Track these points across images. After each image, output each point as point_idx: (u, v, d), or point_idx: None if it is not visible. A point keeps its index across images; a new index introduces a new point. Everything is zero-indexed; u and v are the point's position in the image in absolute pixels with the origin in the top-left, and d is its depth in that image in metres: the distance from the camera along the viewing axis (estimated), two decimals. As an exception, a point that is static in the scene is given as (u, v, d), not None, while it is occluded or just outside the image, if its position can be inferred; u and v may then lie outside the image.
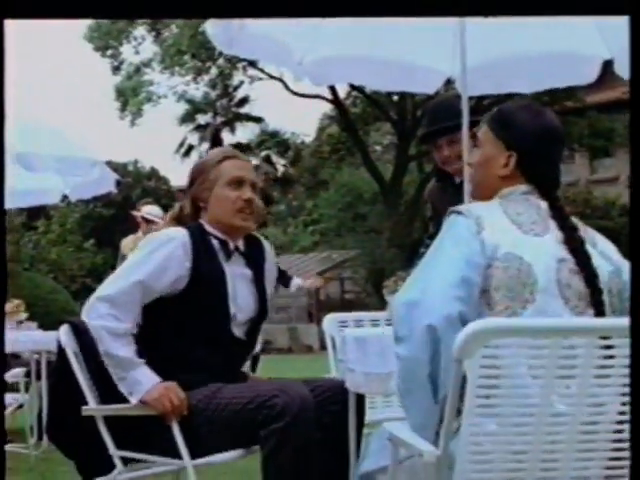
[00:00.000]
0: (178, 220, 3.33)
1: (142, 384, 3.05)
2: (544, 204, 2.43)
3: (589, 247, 2.37)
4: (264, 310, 3.35)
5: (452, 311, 2.19)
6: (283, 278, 7.96)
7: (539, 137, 2.46)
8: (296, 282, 8.07)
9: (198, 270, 3.15)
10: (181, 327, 3.17)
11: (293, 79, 4.85)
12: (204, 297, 3.16)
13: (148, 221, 8.18)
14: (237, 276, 3.26)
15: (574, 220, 2.45)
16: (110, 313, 3.07)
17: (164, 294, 3.15)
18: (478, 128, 2.66)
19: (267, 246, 3.43)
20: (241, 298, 3.25)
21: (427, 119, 4.50)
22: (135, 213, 8.52)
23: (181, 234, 3.18)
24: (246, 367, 3.58)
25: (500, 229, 2.31)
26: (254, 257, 3.35)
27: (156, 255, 3.13)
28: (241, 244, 3.31)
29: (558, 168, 2.53)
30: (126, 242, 8.46)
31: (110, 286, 3.14)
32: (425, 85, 4.98)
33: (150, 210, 8.37)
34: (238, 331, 3.25)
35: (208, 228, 3.24)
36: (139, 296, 3.11)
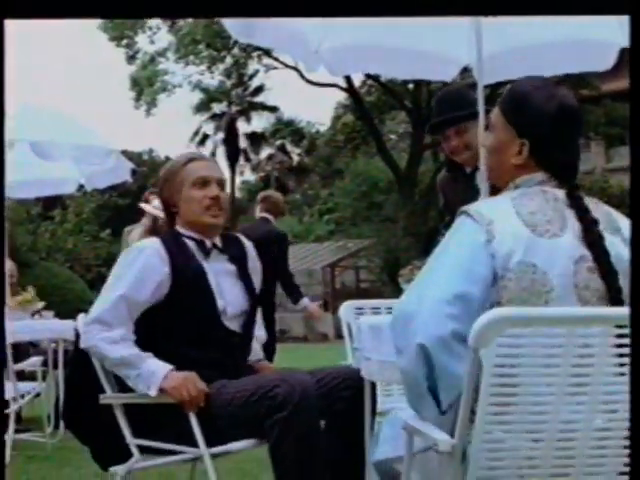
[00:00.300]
0: (153, 232, 3.44)
1: (156, 373, 3.07)
2: (561, 193, 2.31)
3: (610, 235, 2.26)
4: (255, 302, 3.40)
5: (444, 332, 2.11)
6: (294, 294, 8.01)
7: (553, 123, 2.32)
8: (305, 302, 8.11)
9: (178, 272, 3.20)
10: (175, 330, 3.21)
11: (308, 69, 4.81)
12: (189, 296, 3.21)
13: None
14: (220, 272, 3.31)
15: (595, 202, 2.35)
16: (102, 329, 3.13)
17: (151, 304, 3.20)
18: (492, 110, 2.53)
19: (246, 242, 3.50)
20: (228, 292, 3.30)
21: (435, 109, 4.47)
22: (145, 207, 8.48)
23: (152, 242, 3.27)
24: (259, 356, 3.58)
25: (512, 234, 2.19)
26: (234, 253, 3.41)
27: (132, 268, 3.20)
28: (219, 242, 3.38)
29: (576, 153, 2.40)
30: (134, 235, 8.40)
31: (95, 309, 3.20)
32: (441, 73, 4.95)
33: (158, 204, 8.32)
34: (232, 325, 3.29)
35: (182, 231, 3.33)
36: (125, 310, 3.16)
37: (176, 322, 3.20)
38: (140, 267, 3.19)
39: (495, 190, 2.56)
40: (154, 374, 3.07)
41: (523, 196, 2.29)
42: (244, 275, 3.39)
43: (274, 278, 7.73)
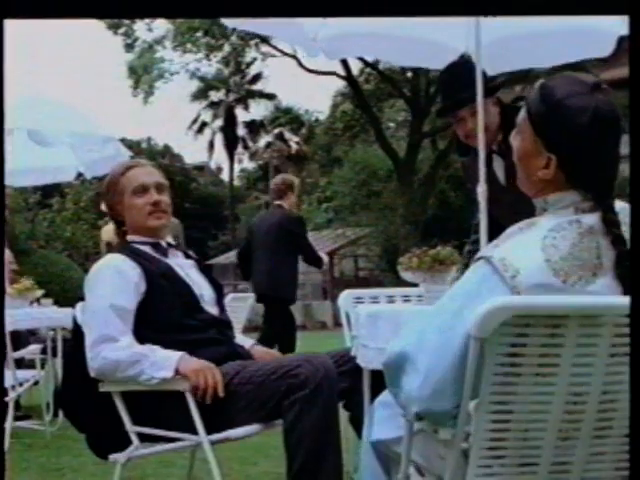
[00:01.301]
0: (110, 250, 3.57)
1: (172, 357, 3.09)
2: (596, 220, 2.08)
3: None
4: (221, 291, 3.52)
5: (447, 407, 2.03)
6: (318, 264, 8.07)
7: (584, 138, 2.07)
8: (324, 257, 8.21)
9: (148, 273, 3.27)
10: (164, 323, 3.24)
11: (307, 56, 4.80)
12: (167, 290, 3.27)
13: None
14: (183, 265, 3.44)
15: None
16: (109, 345, 3.13)
17: (136, 309, 3.23)
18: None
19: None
20: (197, 280, 3.42)
21: (443, 91, 4.27)
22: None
23: (115, 256, 3.35)
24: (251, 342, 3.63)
25: (541, 287, 1.99)
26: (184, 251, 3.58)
27: (108, 280, 3.25)
28: (171, 240, 3.54)
29: (611, 167, 2.15)
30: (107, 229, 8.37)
31: (92, 331, 3.20)
32: (439, 61, 4.94)
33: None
34: (213, 310, 3.40)
35: (135, 238, 3.42)
36: (119, 319, 3.18)
37: (163, 316, 3.24)
38: (115, 277, 3.24)
39: (512, 170, 2.34)
40: (169, 358, 3.09)
41: (555, 232, 2.05)
42: (202, 268, 3.53)
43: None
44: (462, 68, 4.16)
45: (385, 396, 2.52)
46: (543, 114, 2.11)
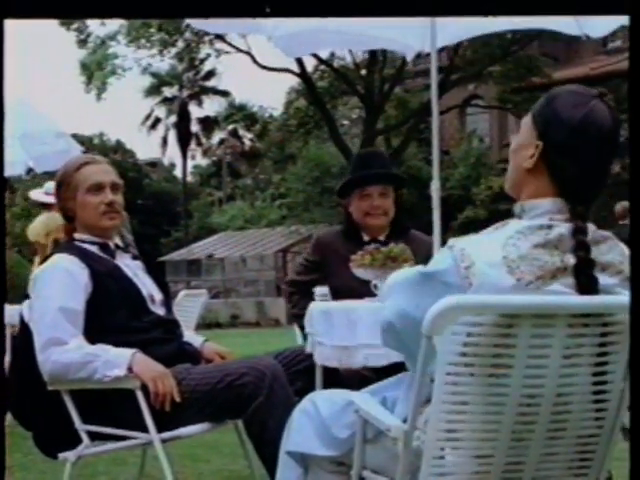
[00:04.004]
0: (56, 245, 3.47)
1: (124, 354, 3.07)
2: (566, 230, 2.05)
3: (622, 282, 2.06)
4: (168, 293, 3.50)
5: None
6: None
7: (571, 131, 2.08)
8: None
9: (96, 273, 3.23)
10: (110, 323, 3.21)
11: (263, 51, 4.79)
12: (114, 290, 3.24)
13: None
14: (130, 266, 3.40)
15: (610, 242, 2.12)
16: (58, 348, 3.09)
17: (85, 310, 3.19)
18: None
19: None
20: (145, 281, 3.39)
21: (357, 164, 4.25)
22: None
23: (62, 256, 3.28)
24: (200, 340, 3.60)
25: (493, 285, 1.99)
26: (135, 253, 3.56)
27: (56, 281, 3.20)
28: (119, 241, 3.48)
29: (594, 175, 2.12)
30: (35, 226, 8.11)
31: (40, 333, 3.15)
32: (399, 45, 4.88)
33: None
34: (160, 310, 3.37)
35: (83, 237, 3.37)
36: (68, 321, 3.13)
37: (108, 317, 3.21)
38: (63, 278, 3.19)
39: None
40: (122, 356, 3.06)
41: (521, 234, 2.04)
42: (150, 271, 3.50)
43: None
44: (381, 152, 4.49)
45: (304, 404, 2.51)
46: (542, 104, 2.15)
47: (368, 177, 4.02)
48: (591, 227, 2.09)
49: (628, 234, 1.57)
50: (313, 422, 2.44)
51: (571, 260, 2.03)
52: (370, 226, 4.06)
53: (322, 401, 2.46)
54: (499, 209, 25.03)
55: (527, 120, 2.18)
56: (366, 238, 4.07)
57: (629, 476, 1.40)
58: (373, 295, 3.39)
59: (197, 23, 4.38)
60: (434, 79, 4.06)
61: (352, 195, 4.09)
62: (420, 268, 2.12)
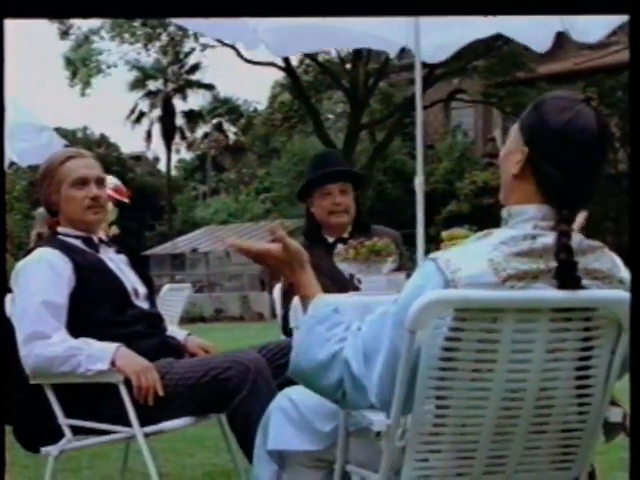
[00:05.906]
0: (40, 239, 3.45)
1: (108, 348, 3.06)
2: (550, 240, 2.03)
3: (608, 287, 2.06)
4: (152, 287, 3.49)
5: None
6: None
7: (556, 135, 2.05)
8: None
9: (80, 266, 3.22)
10: (93, 317, 3.20)
11: (248, 47, 4.78)
12: (98, 284, 3.24)
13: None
14: (114, 260, 3.39)
15: (598, 251, 2.09)
16: (41, 342, 3.07)
17: (69, 303, 3.18)
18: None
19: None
20: (129, 275, 3.38)
21: (315, 163, 4.23)
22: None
23: (46, 249, 3.26)
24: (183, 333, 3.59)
25: (479, 284, 1.97)
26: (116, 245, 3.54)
27: (40, 275, 3.18)
28: (103, 235, 3.48)
29: (580, 182, 2.08)
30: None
31: (23, 327, 3.13)
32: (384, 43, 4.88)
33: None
34: (144, 304, 3.36)
35: (67, 231, 3.35)
36: (52, 315, 3.12)
37: (91, 311, 3.20)
38: (47, 272, 3.18)
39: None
40: (105, 350, 3.06)
41: (505, 245, 2.02)
42: (133, 262, 3.48)
43: None
44: (333, 153, 4.59)
45: (280, 401, 2.50)
46: (530, 110, 2.13)
47: (327, 175, 4.02)
48: (579, 237, 2.07)
49: None
50: (292, 419, 2.43)
51: (554, 264, 2.01)
52: (333, 225, 4.08)
53: (298, 395, 2.45)
54: (483, 203, 25.09)
55: (515, 127, 2.16)
56: (330, 239, 4.08)
57: (629, 476, 1.40)
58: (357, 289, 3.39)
59: (182, 22, 4.36)
60: (418, 73, 4.06)
61: (313, 196, 4.10)
62: (407, 287, 2.07)
